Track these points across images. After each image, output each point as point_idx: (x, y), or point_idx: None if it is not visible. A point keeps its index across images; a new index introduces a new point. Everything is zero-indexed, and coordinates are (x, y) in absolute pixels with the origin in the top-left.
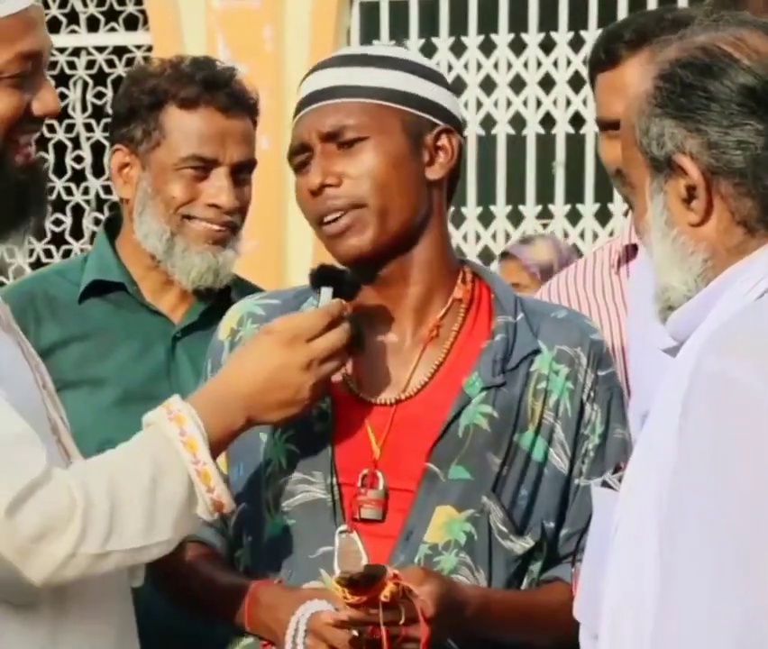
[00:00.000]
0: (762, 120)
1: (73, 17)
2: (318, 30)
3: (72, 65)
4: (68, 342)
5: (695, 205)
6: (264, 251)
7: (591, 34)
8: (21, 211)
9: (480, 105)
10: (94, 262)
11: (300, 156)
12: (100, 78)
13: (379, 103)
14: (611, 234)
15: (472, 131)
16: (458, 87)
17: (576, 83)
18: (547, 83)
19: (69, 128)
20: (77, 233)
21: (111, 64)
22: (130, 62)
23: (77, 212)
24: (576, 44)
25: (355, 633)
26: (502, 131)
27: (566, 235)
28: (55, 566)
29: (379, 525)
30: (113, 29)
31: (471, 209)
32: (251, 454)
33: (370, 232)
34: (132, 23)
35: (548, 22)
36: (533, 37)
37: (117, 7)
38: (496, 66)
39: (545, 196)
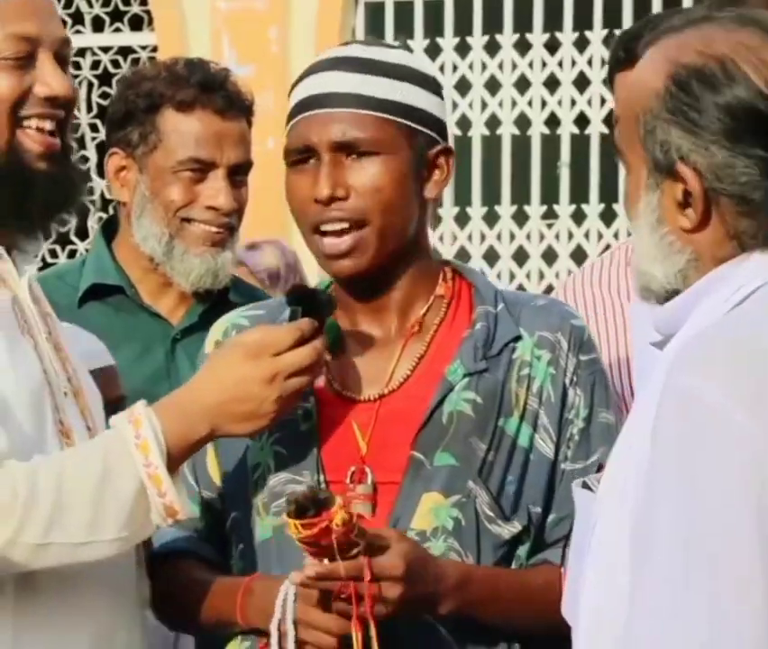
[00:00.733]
0: None
1: (78, 17)
2: (323, 30)
3: (77, 65)
4: None
5: (690, 212)
6: None
7: (596, 35)
8: (35, 200)
9: (484, 105)
10: (92, 266)
11: (301, 155)
12: (105, 79)
13: (394, 119)
14: (616, 235)
15: (477, 131)
16: (463, 88)
17: (581, 83)
18: (552, 83)
19: (74, 128)
20: (82, 233)
21: (116, 64)
22: (135, 62)
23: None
24: (581, 45)
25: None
26: (507, 131)
27: (571, 235)
28: None
29: (369, 519)
30: (118, 29)
31: (476, 209)
32: (239, 461)
33: (369, 253)
34: (137, 24)
35: (553, 23)
36: (538, 37)
37: (122, 8)
38: (501, 66)
39: (550, 196)
